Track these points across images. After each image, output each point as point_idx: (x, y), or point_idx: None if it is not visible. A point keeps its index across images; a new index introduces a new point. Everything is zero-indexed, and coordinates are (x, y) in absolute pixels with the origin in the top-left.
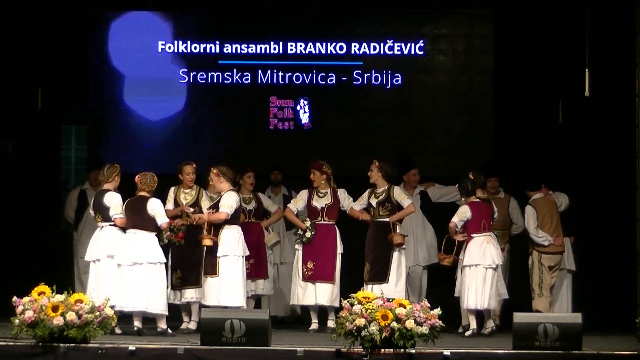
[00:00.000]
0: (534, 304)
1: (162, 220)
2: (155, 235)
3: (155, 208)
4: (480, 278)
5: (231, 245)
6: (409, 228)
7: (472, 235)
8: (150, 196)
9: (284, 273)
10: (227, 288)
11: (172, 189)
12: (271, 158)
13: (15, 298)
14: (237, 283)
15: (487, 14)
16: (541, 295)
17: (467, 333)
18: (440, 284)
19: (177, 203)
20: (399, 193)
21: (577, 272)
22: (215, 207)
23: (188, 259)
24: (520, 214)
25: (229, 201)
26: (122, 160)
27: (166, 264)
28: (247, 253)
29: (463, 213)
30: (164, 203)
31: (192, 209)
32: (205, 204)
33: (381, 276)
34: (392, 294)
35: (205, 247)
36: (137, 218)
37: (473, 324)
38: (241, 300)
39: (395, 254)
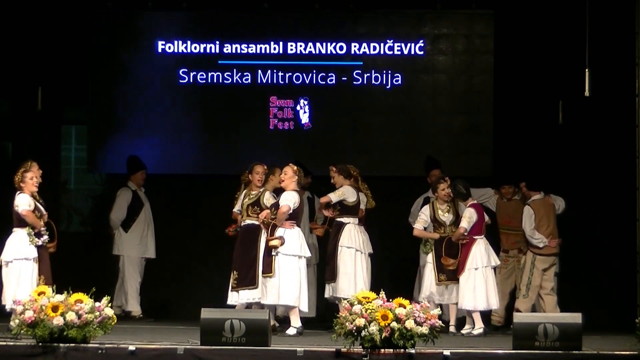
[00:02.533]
0: (517, 303)
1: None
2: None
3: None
4: (490, 279)
5: (292, 245)
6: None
7: (474, 237)
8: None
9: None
10: (285, 287)
11: (244, 191)
12: (271, 158)
13: (15, 298)
14: (295, 283)
15: (487, 14)
16: (526, 296)
17: (477, 332)
18: None
19: (242, 204)
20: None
21: (577, 272)
22: (276, 206)
23: (244, 260)
24: None
25: (290, 197)
26: (122, 160)
27: None
28: (309, 254)
29: (470, 217)
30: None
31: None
32: (269, 202)
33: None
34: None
35: (262, 248)
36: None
37: (480, 323)
38: (293, 300)
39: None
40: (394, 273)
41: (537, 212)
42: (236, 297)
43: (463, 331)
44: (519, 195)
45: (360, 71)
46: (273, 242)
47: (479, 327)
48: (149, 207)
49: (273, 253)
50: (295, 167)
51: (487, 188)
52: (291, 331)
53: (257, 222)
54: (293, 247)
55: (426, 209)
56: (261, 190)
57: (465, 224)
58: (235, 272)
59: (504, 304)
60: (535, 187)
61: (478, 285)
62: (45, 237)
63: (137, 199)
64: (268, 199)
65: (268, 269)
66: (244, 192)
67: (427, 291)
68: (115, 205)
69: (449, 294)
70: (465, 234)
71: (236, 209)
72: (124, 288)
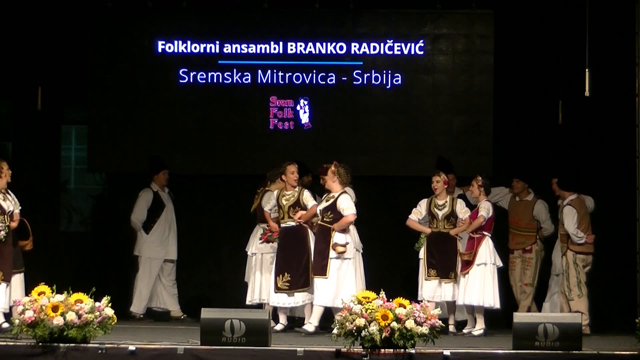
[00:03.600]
0: (574, 305)
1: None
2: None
3: None
4: (497, 277)
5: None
6: None
7: (484, 233)
8: None
9: None
10: (339, 289)
11: (275, 191)
12: (271, 158)
13: (15, 298)
14: (350, 284)
15: (487, 14)
16: (581, 295)
17: (477, 332)
18: None
19: (279, 204)
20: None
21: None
22: (330, 208)
23: (295, 261)
24: (548, 217)
25: (350, 202)
26: (121, 160)
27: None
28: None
29: (488, 209)
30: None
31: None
32: (307, 201)
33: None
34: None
35: (310, 248)
36: None
37: (482, 324)
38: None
39: None
40: (396, 273)
41: (578, 210)
42: (284, 299)
43: (465, 330)
44: (531, 195)
45: (360, 71)
46: (340, 249)
47: (480, 328)
48: (172, 208)
49: (332, 255)
50: (333, 167)
51: (501, 187)
52: (309, 328)
53: (297, 223)
54: (350, 251)
55: (424, 202)
56: (296, 189)
57: (484, 213)
58: (286, 274)
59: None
60: (570, 187)
61: (487, 282)
62: (2, 233)
63: (158, 200)
64: (307, 198)
65: (322, 271)
66: (275, 192)
67: (421, 289)
68: (135, 207)
69: (443, 291)
70: (483, 223)
71: (267, 208)
72: (138, 287)
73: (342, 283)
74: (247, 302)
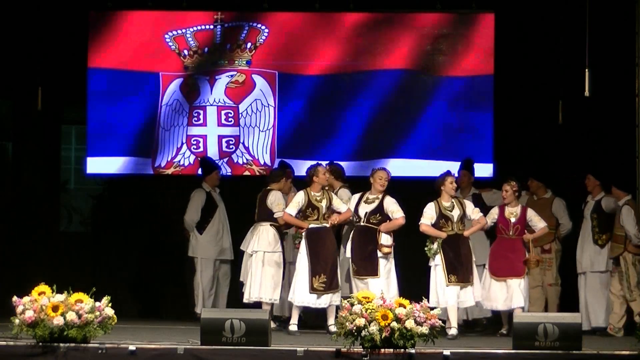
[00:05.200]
0: (635, 305)
1: None
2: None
3: None
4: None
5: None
6: None
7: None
8: None
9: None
10: (389, 287)
11: (302, 193)
12: None
13: (15, 298)
14: (395, 283)
15: (487, 14)
16: None
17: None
18: None
19: (313, 205)
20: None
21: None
22: (378, 211)
23: (329, 263)
24: (566, 214)
25: (397, 204)
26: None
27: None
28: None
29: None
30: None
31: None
32: (340, 206)
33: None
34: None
35: (337, 250)
36: None
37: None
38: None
39: None
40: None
41: (636, 211)
42: (314, 300)
43: (503, 331)
44: (548, 193)
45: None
46: (387, 250)
47: (507, 327)
48: (224, 208)
49: (380, 255)
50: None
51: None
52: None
53: (327, 225)
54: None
55: (431, 206)
56: (323, 191)
57: (539, 219)
58: (322, 275)
59: (542, 304)
60: (626, 187)
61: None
62: None
63: (211, 200)
64: (339, 202)
65: (373, 271)
66: (302, 193)
67: (436, 296)
68: (189, 207)
69: (466, 296)
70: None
71: (294, 212)
72: (199, 289)
73: (391, 282)
74: (245, 301)
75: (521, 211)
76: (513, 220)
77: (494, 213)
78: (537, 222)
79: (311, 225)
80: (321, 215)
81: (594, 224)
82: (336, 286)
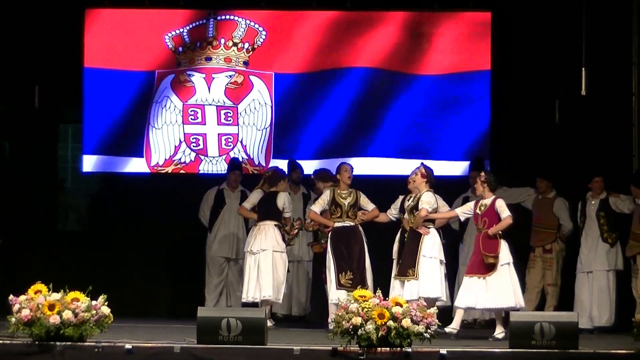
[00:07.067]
0: None
1: None
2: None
3: None
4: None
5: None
6: (470, 229)
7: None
8: None
9: (301, 271)
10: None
11: (328, 191)
12: None
13: (11, 296)
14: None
15: (485, 14)
16: None
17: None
18: None
19: (337, 203)
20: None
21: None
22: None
23: (356, 261)
24: (568, 214)
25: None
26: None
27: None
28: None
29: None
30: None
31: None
32: (367, 204)
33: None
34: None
35: (361, 248)
36: None
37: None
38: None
39: None
40: None
41: None
42: (344, 295)
43: (498, 335)
44: (552, 193)
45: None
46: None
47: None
48: (236, 207)
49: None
50: (423, 170)
51: (527, 187)
52: None
53: (354, 224)
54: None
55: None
56: (350, 190)
57: (509, 212)
58: (348, 272)
59: (534, 305)
60: None
61: (514, 281)
62: None
63: (220, 198)
64: (366, 200)
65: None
66: (328, 191)
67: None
68: (200, 205)
69: (409, 289)
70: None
71: (318, 209)
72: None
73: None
74: (243, 300)
75: (491, 203)
76: (479, 212)
77: (469, 206)
78: (501, 213)
79: (336, 225)
80: (344, 213)
81: (602, 222)
82: (364, 283)
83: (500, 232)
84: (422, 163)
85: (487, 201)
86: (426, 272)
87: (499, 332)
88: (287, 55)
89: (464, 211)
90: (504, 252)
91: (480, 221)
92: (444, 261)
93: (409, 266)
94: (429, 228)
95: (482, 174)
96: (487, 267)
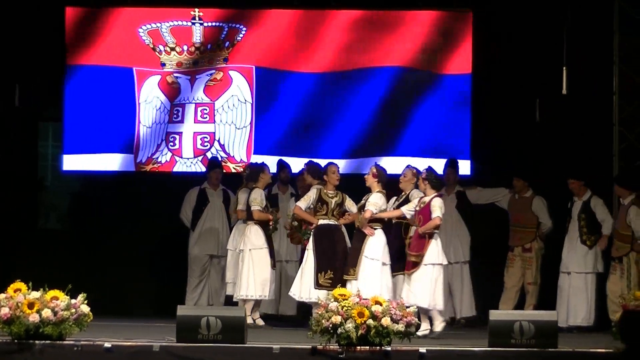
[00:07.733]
0: None
1: None
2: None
3: None
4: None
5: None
6: (445, 227)
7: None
8: None
9: (290, 271)
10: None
11: (315, 189)
12: None
13: None
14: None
15: (465, 13)
16: None
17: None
18: None
19: (323, 200)
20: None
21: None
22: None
23: (335, 259)
24: (547, 213)
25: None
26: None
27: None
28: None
29: (442, 207)
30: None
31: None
32: (352, 206)
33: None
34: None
35: (344, 248)
36: None
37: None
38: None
39: None
40: None
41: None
42: (324, 295)
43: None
44: (529, 192)
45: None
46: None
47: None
48: (221, 206)
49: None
50: (414, 170)
51: (501, 187)
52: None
53: (338, 223)
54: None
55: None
56: (337, 191)
57: (439, 213)
58: (329, 271)
59: (513, 304)
60: (633, 186)
61: (437, 283)
62: None
63: (203, 197)
64: (352, 202)
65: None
66: (313, 190)
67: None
68: (182, 205)
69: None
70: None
71: (304, 206)
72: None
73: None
74: (234, 299)
75: (428, 201)
76: (417, 210)
77: (414, 204)
78: (432, 212)
79: (321, 222)
80: (330, 211)
81: (582, 224)
82: (343, 283)
83: (428, 232)
84: (375, 163)
85: (427, 199)
86: (364, 273)
87: (424, 329)
88: (269, 52)
89: (409, 209)
90: (432, 252)
91: (416, 218)
92: (388, 263)
93: (351, 265)
94: (375, 229)
95: (423, 171)
96: (411, 265)
